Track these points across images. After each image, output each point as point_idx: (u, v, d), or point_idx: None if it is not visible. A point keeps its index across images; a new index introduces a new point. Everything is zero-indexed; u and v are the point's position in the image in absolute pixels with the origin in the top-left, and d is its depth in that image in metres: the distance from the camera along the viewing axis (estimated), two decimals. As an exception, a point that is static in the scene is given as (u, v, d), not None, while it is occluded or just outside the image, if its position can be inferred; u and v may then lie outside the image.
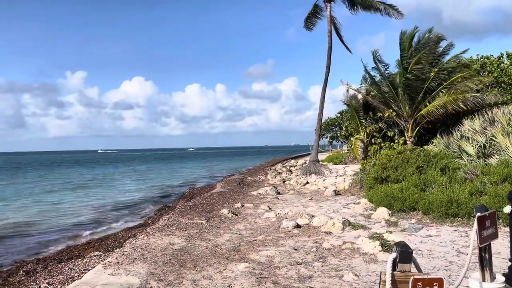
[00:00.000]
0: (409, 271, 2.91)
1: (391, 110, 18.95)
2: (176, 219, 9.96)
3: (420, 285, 2.85)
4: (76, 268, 6.89)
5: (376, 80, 20.41)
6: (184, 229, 8.65)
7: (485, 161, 11.46)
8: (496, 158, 11.08)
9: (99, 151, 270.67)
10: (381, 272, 2.93)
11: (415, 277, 2.85)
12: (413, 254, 3.02)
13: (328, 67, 23.43)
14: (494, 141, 11.86)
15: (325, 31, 23.47)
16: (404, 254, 2.90)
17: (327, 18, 23.39)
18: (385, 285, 2.84)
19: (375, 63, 19.68)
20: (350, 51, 25.18)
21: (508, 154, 10.99)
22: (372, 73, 20.46)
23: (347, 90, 22.63)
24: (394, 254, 2.93)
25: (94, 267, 6.36)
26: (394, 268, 2.91)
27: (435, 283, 2.88)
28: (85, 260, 7.51)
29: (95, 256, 7.86)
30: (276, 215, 10.00)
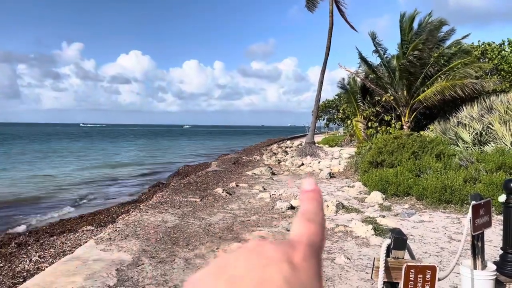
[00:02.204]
0: (403, 258, 2.91)
1: (388, 94, 18.86)
2: (170, 196, 9.92)
3: (413, 272, 2.85)
4: (68, 242, 6.88)
5: (373, 65, 20.23)
6: (178, 207, 8.63)
7: (480, 148, 11.48)
8: (492, 146, 11.09)
9: (81, 124, 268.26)
10: (374, 258, 2.91)
11: (408, 264, 2.84)
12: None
13: (328, 48, 23.12)
14: (491, 128, 11.86)
15: (327, 11, 23.10)
16: (399, 241, 2.88)
17: (329, -3, 22.95)
18: (378, 271, 2.84)
19: (375, 46, 19.46)
20: (355, 29, 24.66)
21: (504, 142, 11.00)
22: (369, 59, 20.25)
23: (343, 78, 22.44)
24: (388, 240, 2.91)
25: (86, 242, 6.34)
26: (388, 254, 2.91)
27: (427, 271, 2.88)
28: (77, 234, 7.50)
29: (88, 231, 7.85)
30: (270, 195, 9.99)
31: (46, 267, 5.39)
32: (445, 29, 19.22)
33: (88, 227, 8.33)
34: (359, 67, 21.56)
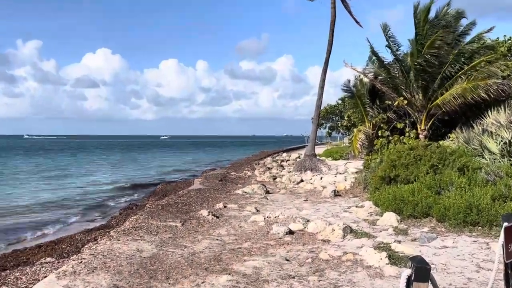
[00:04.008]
0: (426, 292, 2.89)
1: (401, 98, 18.99)
2: (146, 220, 9.87)
3: (438, 309, 2.83)
4: (23, 277, 6.77)
5: (385, 62, 20.35)
6: (155, 233, 8.59)
7: (510, 160, 11.59)
8: (523, 157, 11.20)
9: (25, 136, 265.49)
10: (392, 292, 2.90)
11: (433, 298, 2.83)
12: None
13: (330, 44, 23.35)
14: (522, 137, 11.99)
15: (328, 2, 23.36)
16: (421, 271, 2.87)
17: (330, -15, 23.24)
18: (397, 307, 2.83)
19: (387, 40, 19.59)
20: (359, 24, 24.86)
21: (537, 153, 11.11)
22: (381, 54, 20.31)
23: (349, 80, 22.53)
24: (408, 271, 2.90)
25: (46, 276, 6.24)
26: (408, 287, 2.89)
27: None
28: (34, 267, 7.38)
29: (47, 263, 7.74)
30: (264, 218, 9.99)
31: (-3, 308, 5.29)
32: (464, 22, 19.48)
33: (48, 259, 8.21)
34: (367, 66, 21.72)
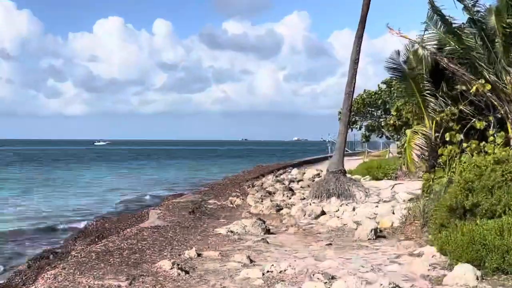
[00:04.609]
0: None
1: (482, 82, 19.02)
2: (70, 277, 9.90)
3: None
4: None
5: (455, 25, 20.39)
6: (85, 299, 8.55)
7: None
8: None
9: None
10: None
11: None
12: None
13: (368, -5, 23.39)
14: None
15: None
16: None
17: None
18: None
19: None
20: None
21: None
22: (447, 13, 20.30)
23: (408, 49, 22.45)
24: None
25: None
26: None
27: None
28: None
29: None
30: (263, 274, 10.02)
31: None
32: None
33: None
34: (425, 31, 21.67)
